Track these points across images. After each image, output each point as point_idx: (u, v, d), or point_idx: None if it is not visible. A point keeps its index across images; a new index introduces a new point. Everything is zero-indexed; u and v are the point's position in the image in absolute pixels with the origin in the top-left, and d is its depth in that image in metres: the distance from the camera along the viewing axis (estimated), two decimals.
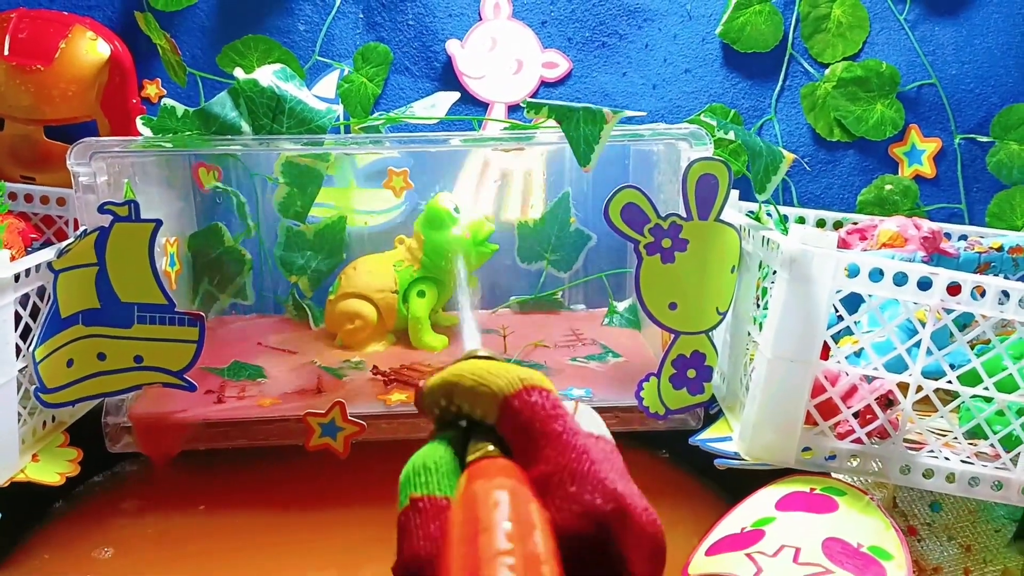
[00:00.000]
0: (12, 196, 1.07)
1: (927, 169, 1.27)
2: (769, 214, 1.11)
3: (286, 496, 0.93)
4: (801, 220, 1.16)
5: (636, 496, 0.41)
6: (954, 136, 1.27)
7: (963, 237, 1.13)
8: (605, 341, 1.12)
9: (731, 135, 0.92)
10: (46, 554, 0.87)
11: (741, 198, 1.12)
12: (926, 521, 0.83)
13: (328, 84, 1.21)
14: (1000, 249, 1.00)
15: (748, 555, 0.65)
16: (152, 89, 1.20)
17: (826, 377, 0.76)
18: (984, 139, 1.26)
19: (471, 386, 0.43)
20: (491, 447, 0.43)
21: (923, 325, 0.73)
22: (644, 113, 0.89)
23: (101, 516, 0.92)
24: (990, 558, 0.83)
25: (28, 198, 1.07)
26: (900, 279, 0.73)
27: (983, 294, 0.72)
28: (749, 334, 0.86)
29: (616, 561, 0.38)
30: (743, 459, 0.80)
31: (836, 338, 0.75)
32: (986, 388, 0.74)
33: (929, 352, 0.73)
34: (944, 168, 1.27)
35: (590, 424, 0.46)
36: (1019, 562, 0.83)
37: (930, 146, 1.26)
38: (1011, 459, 0.75)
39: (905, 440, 0.76)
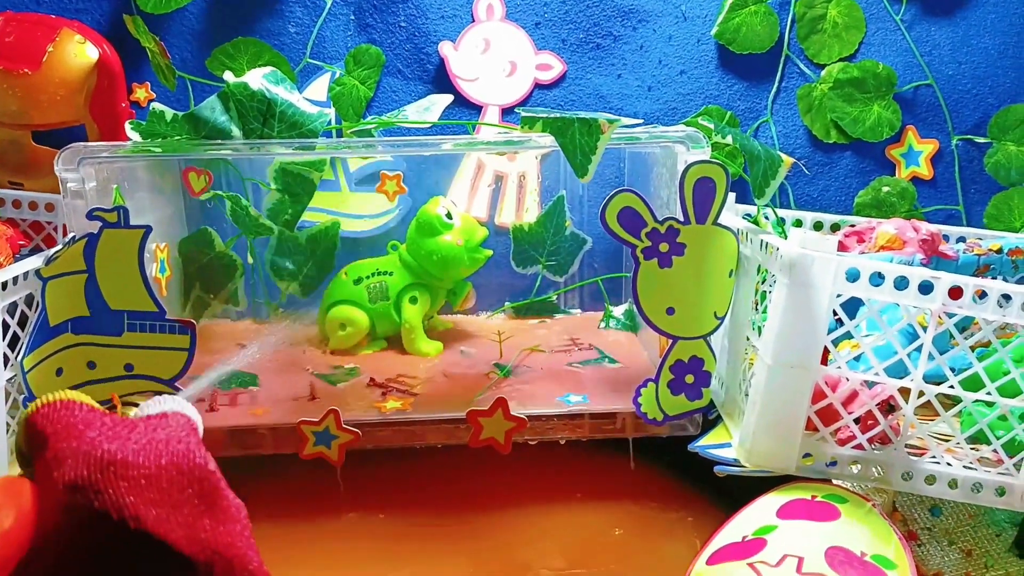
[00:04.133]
0: (0, 202, 1.05)
1: (924, 170, 1.26)
2: (767, 217, 1.10)
3: (278, 506, 0.92)
4: (798, 223, 1.16)
5: (149, 448, 0.41)
6: (951, 137, 1.26)
7: (961, 239, 1.13)
8: (602, 346, 1.12)
9: (728, 138, 0.91)
10: None
11: (738, 201, 1.11)
12: (926, 526, 0.83)
13: (319, 87, 1.20)
14: (999, 251, 0.99)
15: (750, 564, 0.64)
16: (141, 93, 1.19)
17: (826, 382, 0.75)
18: (981, 140, 1.26)
19: (17, 424, 0.45)
20: (23, 471, 0.45)
21: (924, 329, 0.73)
22: (640, 121, 0.88)
23: None
24: (991, 563, 0.82)
25: (16, 204, 1.06)
26: (901, 283, 0.72)
27: (984, 297, 0.71)
28: (748, 339, 0.85)
29: (117, 517, 0.38)
30: (743, 466, 0.79)
31: (836, 343, 0.74)
32: (988, 393, 0.73)
33: (930, 357, 0.73)
34: (941, 169, 1.27)
35: (154, 409, 0.48)
36: (1020, 567, 0.82)
37: (927, 147, 1.26)
38: (1014, 464, 0.74)
39: (907, 446, 0.76)
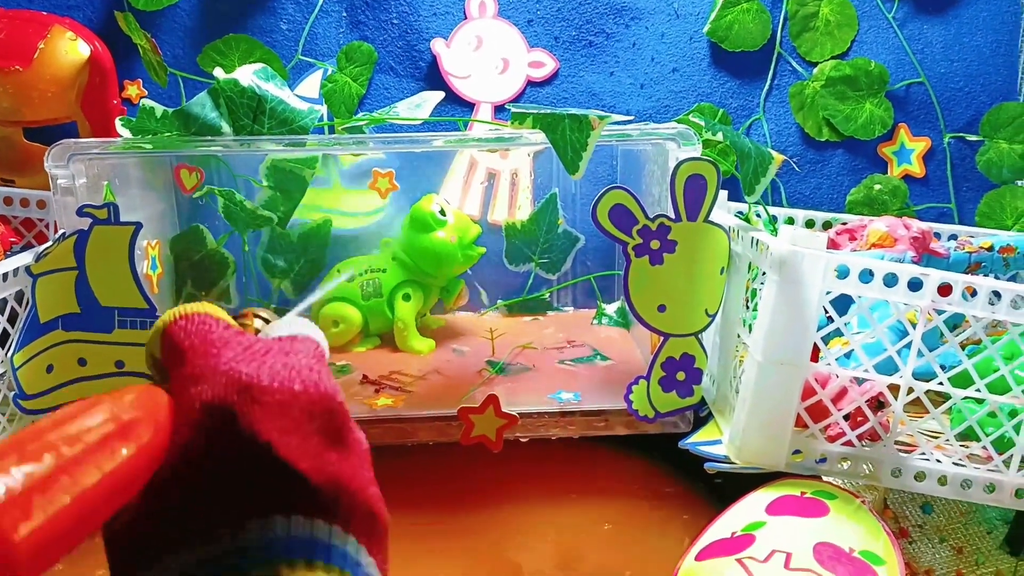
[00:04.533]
0: None
1: (916, 168, 1.26)
2: (758, 215, 1.10)
3: None
4: (790, 220, 1.16)
5: (283, 373, 0.41)
6: (943, 135, 1.26)
7: (953, 237, 1.13)
8: (594, 343, 1.12)
9: (719, 136, 0.91)
10: None
11: (730, 198, 1.11)
12: (917, 523, 0.83)
13: (311, 84, 1.20)
14: (990, 249, 0.99)
15: (739, 560, 0.64)
16: (133, 90, 1.19)
17: (816, 379, 0.75)
18: (973, 138, 1.26)
19: (150, 336, 0.45)
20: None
21: (914, 326, 0.73)
22: (631, 118, 0.88)
23: None
24: (982, 560, 0.82)
25: (7, 201, 1.06)
26: (890, 280, 0.72)
27: (974, 294, 0.71)
28: (739, 336, 0.85)
29: (249, 442, 0.38)
30: (733, 462, 0.79)
31: (826, 340, 0.74)
32: (978, 390, 0.73)
33: (920, 353, 0.73)
34: (933, 167, 1.27)
35: (286, 331, 0.47)
36: (1011, 564, 0.82)
37: (919, 145, 1.26)
38: (1003, 461, 0.74)
39: (896, 442, 0.76)
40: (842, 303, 0.74)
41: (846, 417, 0.75)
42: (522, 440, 0.93)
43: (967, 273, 0.98)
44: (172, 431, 0.38)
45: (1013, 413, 0.74)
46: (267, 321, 0.52)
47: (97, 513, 0.34)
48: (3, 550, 0.28)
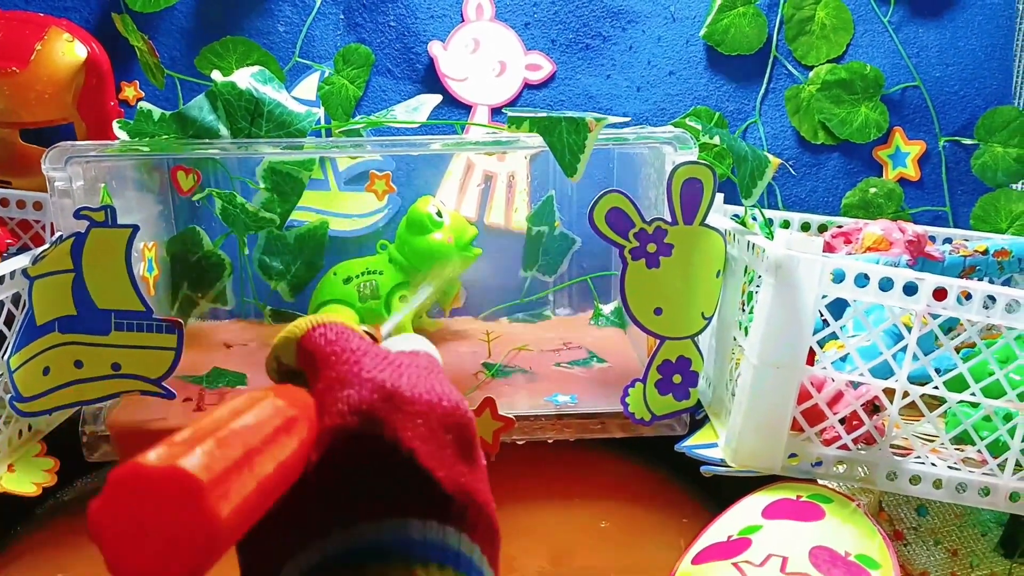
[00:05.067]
0: None
1: (911, 172, 1.27)
2: (754, 218, 1.10)
3: None
4: (786, 224, 1.16)
5: (420, 385, 0.43)
6: (938, 139, 1.27)
7: (948, 240, 1.13)
8: (591, 346, 1.12)
9: (716, 139, 0.91)
10: (23, 566, 0.85)
11: (726, 202, 1.12)
12: (912, 525, 0.83)
13: (308, 86, 1.20)
14: (985, 252, 1.00)
15: (735, 564, 0.64)
16: (130, 91, 1.19)
17: (812, 383, 0.75)
18: (968, 141, 1.26)
19: (280, 341, 0.47)
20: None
21: (909, 330, 0.73)
22: (628, 119, 0.88)
23: (78, 527, 0.91)
24: (976, 563, 0.83)
25: (4, 203, 1.06)
26: (886, 284, 0.72)
27: (969, 298, 0.72)
28: (735, 339, 0.85)
29: (392, 447, 0.40)
30: (729, 466, 0.79)
31: (821, 343, 0.75)
32: (973, 393, 0.73)
33: (915, 357, 0.73)
34: (928, 171, 1.27)
35: (405, 346, 0.51)
36: (1005, 566, 0.83)
37: (914, 149, 1.26)
38: (998, 465, 0.75)
39: (892, 446, 0.76)
40: (837, 307, 0.74)
41: (842, 421, 0.76)
42: (519, 443, 0.93)
43: (962, 277, 0.98)
44: (318, 433, 0.41)
45: (1008, 417, 0.74)
46: (372, 336, 0.54)
47: (269, 499, 0.36)
48: (212, 527, 0.30)
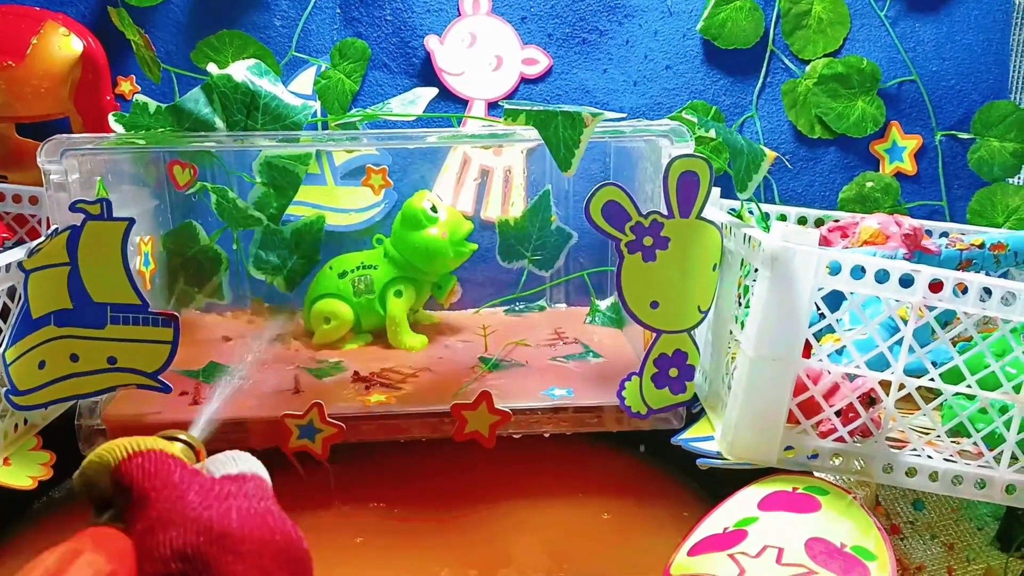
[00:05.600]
0: None
1: (908, 166, 1.27)
2: (751, 212, 1.10)
3: None
4: (783, 218, 1.16)
5: (251, 520, 0.40)
6: (935, 133, 1.27)
7: (944, 234, 1.13)
8: (587, 340, 1.12)
9: (712, 133, 0.91)
10: (19, 560, 0.85)
11: (722, 195, 1.12)
12: (909, 519, 0.83)
13: (305, 80, 1.20)
14: (981, 246, 1.00)
15: (731, 556, 0.64)
16: (126, 86, 1.18)
17: (808, 375, 0.75)
18: (965, 136, 1.26)
19: (92, 464, 0.44)
20: (105, 517, 0.44)
21: (905, 323, 0.73)
22: (624, 115, 0.88)
23: (75, 521, 0.91)
24: (973, 556, 0.83)
25: (0, 197, 1.05)
26: (882, 276, 0.72)
27: (965, 291, 0.72)
28: (731, 332, 0.85)
29: None
30: (725, 458, 0.79)
31: (818, 336, 0.74)
32: (969, 386, 0.73)
33: (911, 350, 0.73)
34: (925, 165, 1.27)
35: (231, 467, 0.47)
36: (1002, 560, 0.83)
37: (911, 143, 1.26)
38: (994, 457, 0.75)
39: (888, 438, 0.76)
40: (833, 299, 0.74)
41: (838, 413, 0.76)
42: (515, 436, 0.93)
43: (958, 270, 0.98)
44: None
45: (1003, 409, 0.74)
46: (188, 444, 0.52)
47: None
48: None
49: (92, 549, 0.37)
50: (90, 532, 0.39)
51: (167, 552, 0.38)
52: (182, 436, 0.52)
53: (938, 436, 0.76)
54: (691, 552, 0.68)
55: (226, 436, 0.91)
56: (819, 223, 1.15)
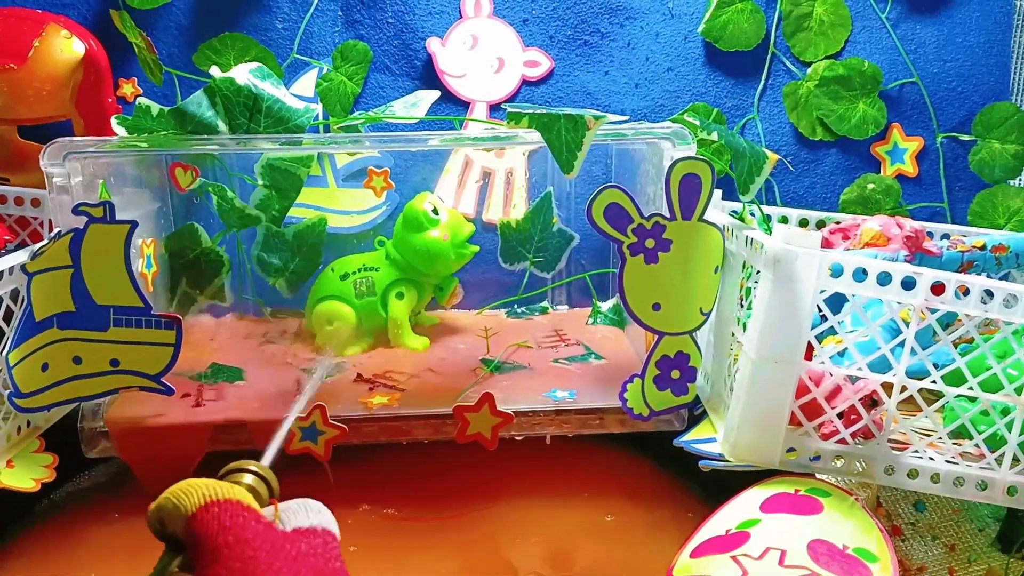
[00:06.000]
0: None
1: (909, 168, 1.27)
2: (752, 214, 1.10)
3: None
4: (784, 220, 1.16)
5: None
6: (936, 135, 1.27)
7: (945, 236, 1.13)
8: (589, 342, 1.12)
9: (714, 135, 0.91)
10: (22, 562, 0.85)
11: (724, 198, 1.12)
12: (910, 521, 0.83)
13: (307, 83, 1.20)
14: (983, 248, 1.00)
15: (733, 558, 0.64)
16: (128, 88, 1.18)
17: (810, 377, 0.75)
18: (966, 138, 1.26)
19: (168, 504, 0.44)
20: (177, 563, 0.44)
21: (907, 325, 0.73)
22: (626, 117, 0.88)
23: (77, 523, 0.91)
24: (974, 557, 0.83)
25: (2, 199, 1.05)
26: (884, 279, 0.72)
27: (966, 293, 0.72)
28: (733, 334, 0.85)
29: None
30: (727, 460, 0.79)
31: (820, 338, 0.75)
32: (970, 388, 0.73)
33: (913, 352, 0.73)
34: (926, 167, 1.27)
35: (302, 519, 0.47)
36: (1003, 561, 0.83)
37: (912, 145, 1.26)
38: (996, 459, 0.75)
39: (889, 440, 0.76)
40: (835, 301, 0.74)
41: (840, 415, 0.76)
42: (517, 438, 0.93)
43: (960, 272, 0.98)
44: None
45: (1005, 411, 0.74)
46: (259, 476, 0.51)
47: None
48: None
49: None
50: None
51: None
52: (252, 467, 0.51)
53: (940, 438, 0.76)
54: (694, 554, 0.68)
55: (229, 437, 0.91)
56: (820, 225, 1.15)
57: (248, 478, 0.51)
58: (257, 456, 0.57)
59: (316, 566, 0.42)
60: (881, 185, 1.26)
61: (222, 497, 0.44)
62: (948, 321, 0.81)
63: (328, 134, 0.96)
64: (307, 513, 0.48)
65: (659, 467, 1.01)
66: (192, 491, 0.44)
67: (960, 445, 0.78)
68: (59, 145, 0.85)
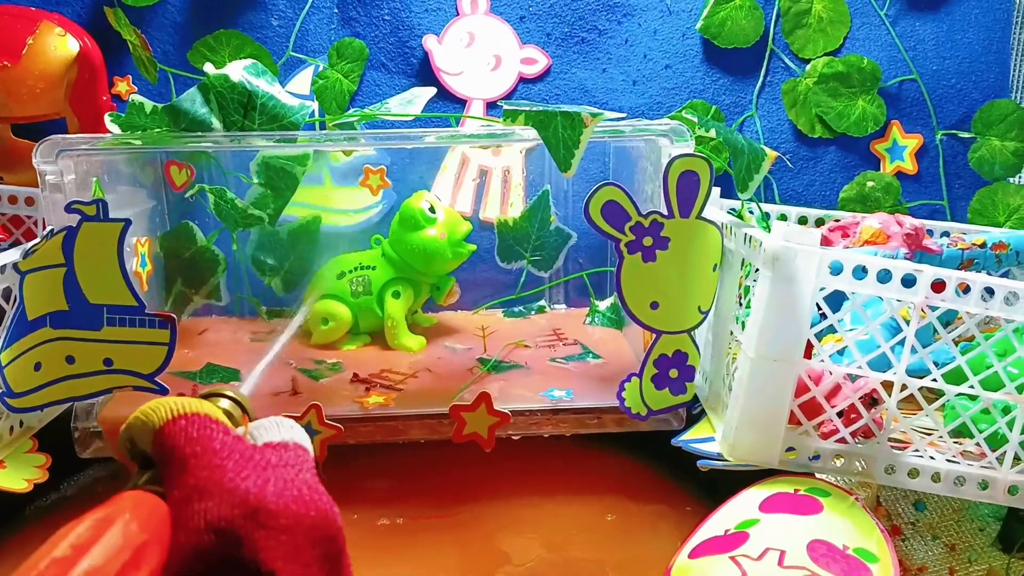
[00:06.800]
0: None
1: (909, 165, 1.26)
2: (751, 211, 1.10)
3: None
4: (783, 217, 1.16)
5: (287, 493, 0.40)
6: (936, 132, 1.26)
7: (945, 234, 1.13)
8: (586, 341, 1.11)
9: (712, 132, 0.91)
10: (14, 564, 0.84)
11: (723, 195, 1.11)
12: (910, 520, 0.83)
13: (303, 80, 1.19)
14: (983, 245, 0.99)
15: (732, 558, 0.64)
16: (123, 86, 1.18)
17: (809, 376, 0.75)
18: (966, 135, 1.26)
19: (136, 422, 0.44)
20: (145, 479, 0.44)
21: (907, 323, 0.72)
22: (624, 115, 0.87)
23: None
24: (975, 557, 0.82)
25: None
26: (884, 276, 0.72)
27: (967, 291, 0.71)
28: (732, 333, 0.85)
29: (252, 568, 0.38)
30: (726, 460, 0.79)
31: (819, 336, 0.74)
32: (971, 386, 0.73)
33: (913, 350, 0.73)
34: (926, 164, 1.27)
35: (274, 433, 0.47)
36: (1004, 561, 0.82)
37: (912, 142, 1.26)
38: (997, 458, 0.74)
39: (890, 439, 0.76)
40: (834, 300, 0.74)
41: (840, 414, 0.75)
42: (514, 438, 0.93)
43: (959, 270, 0.98)
44: (169, 544, 0.38)
45: (1006, 410, 0.74)
46: (234, 401, 0.51)
47: None
48: None
49: (127, 516, 0.37)
50: (128, 496, 0.39)
51: (201, 524, 0.38)
52: (229, 393, 0.51)
53: (941, 437, 0.76)
54: (692, 554, 0.68)
55: None
56: (819, 223, 1.15)
57: (224, 403, 0.51)
58: None
59: (286, 476, 0.41)
60: (880, 183, 1.26)
61: (190, 411, 0.44)
62: (948, 319, 0.81)
63: (324, 132, 0.96)
64: (279, 429, 0.48)
65: (657, 466, 1.00)
66: (160, 407, 0.44)
67: (961, 444, 0.78)
68: (52, 143, 0.85)
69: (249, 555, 0.37)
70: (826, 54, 1.24)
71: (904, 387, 0.73)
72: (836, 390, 0.75)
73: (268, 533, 0.38)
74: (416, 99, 0.98)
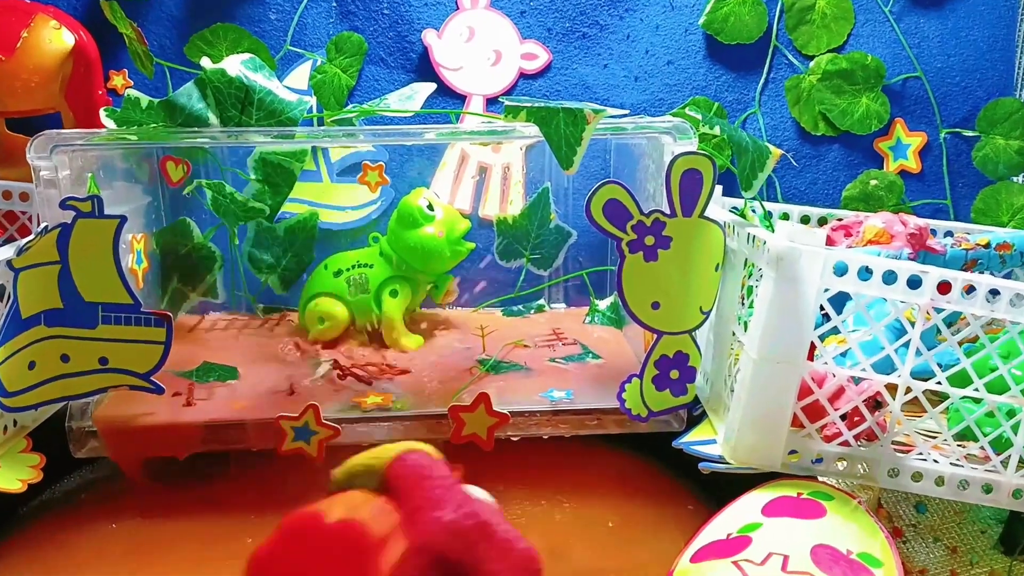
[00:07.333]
0: None
1: (912, 164, 1.26)
2: (754, 210, 1.09)
3: (258, 502, 0.91)
4: (785, 216, 1.15)
5: (503, 525, 0.47)
6: (939, 130, 1.26)
7: (949, 233, 1.12)
8: (586, 341, 1.10)
9: (716, 130, 0.90)
10: (7, 564, 0.84)
11: (725, 194, 1.11)
12: (911, 522, 0.83)
13: (301, 75, 1.19)
14: (987, 246, 0.99)
15: (735, 563, 0.63)
16: (119, 80, 1.17)
17: (813, 378, 0.74)
18: (970, 133, 1.25)
19: (361, 468, 0.51)
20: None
21: (912, 324, 0.72)
22: (626, 112, 0.87)
23: (65, 524, 0.90)
24: (976, 560, 0.82)
25: None
26: (889, 277, 0.71)
27: (971, 292, 0.70)
28: (734, 334, 0.84)
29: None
30: (728, 462, 0.78)
31: (823, 338, 0.73)
32: (976, 389, 0.72)
33: (918, 352, 0.72)
34: (929, 163, 1.26)
35: (472, 492, 0.54)
36: (1005, 563, 0.82)
37: (915, 140, 1.25)
38: (1001, 461, 0.74)
39: (893, 442, 0.75)
40: (837, 301, 0.73)
41: (843, 417, 0.75)
42: (513, 439, 0.92)
43: (963, 270, 0.97)
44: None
45: (1011, 413, 0.74)
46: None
47: None
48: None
49: (381, 500, 0.44)
50: (357, 493, 0.47)
51: (438, 526, 0.44)
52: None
53: (944, 440, 0.75)
54: (694, 558, 0.67)
55: (220, 437, 0.90)
56: (822, 222, 1.15)
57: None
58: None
59: (498, 515, 0.48)
60: (884, 181, 1.25)
61: (416, 448, 0.52)
62: (951, 321, 0.80)
63: (322, 127, 0.95)
64: (474, 490, 0.54)
65: (658, 468, 1.00)
66: (381, 452, 0.51)
67: (965, 447, 0.77)
68: (46, 138, 0.84)
69: (471, 561, 0.43)
70: (830, 51, 1.24)
71: (908, 390, 0.73)
72: (839, 392, 0.75)
73: (490, 547, 0.44)
74: (415, 95, 0.97)
